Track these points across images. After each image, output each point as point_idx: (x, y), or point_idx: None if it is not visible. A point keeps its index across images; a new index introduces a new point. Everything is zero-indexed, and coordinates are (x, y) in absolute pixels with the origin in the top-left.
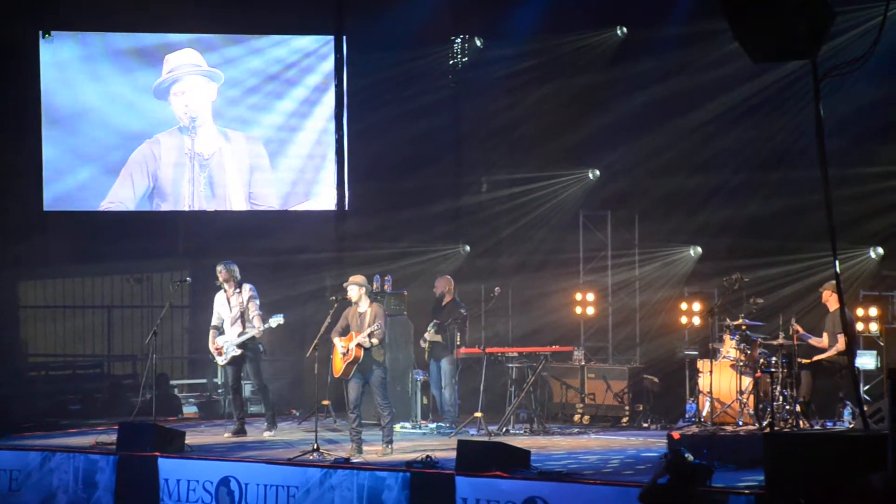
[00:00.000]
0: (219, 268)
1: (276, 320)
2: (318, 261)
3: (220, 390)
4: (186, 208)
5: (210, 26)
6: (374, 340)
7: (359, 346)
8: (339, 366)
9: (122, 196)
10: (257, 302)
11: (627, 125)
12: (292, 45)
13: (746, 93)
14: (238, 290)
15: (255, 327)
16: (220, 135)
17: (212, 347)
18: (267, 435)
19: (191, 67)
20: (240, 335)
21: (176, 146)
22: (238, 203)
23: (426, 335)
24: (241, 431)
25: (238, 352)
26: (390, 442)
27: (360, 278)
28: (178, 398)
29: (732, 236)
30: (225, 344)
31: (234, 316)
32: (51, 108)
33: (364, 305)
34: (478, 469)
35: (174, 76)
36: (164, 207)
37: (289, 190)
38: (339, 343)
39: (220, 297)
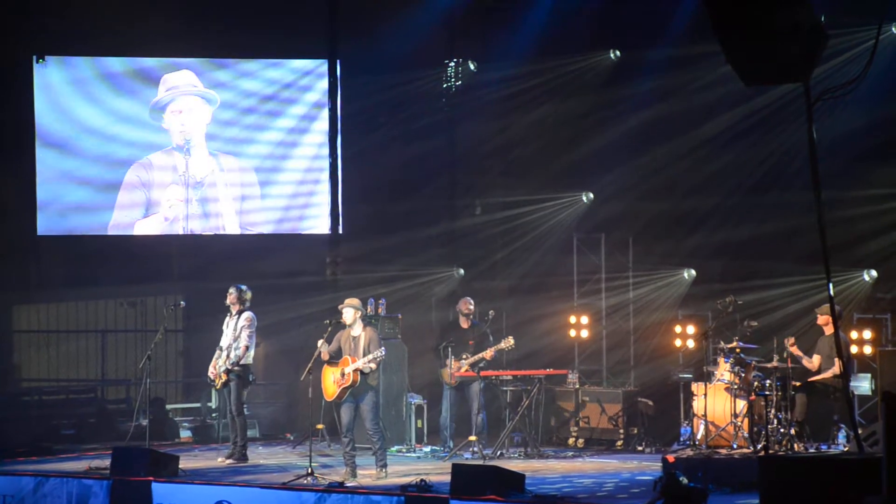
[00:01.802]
0: (230, 289)
1: (243, 357)
2: (313, 284)
3: (213, 414)
4: (181, 231)
5: (203, 50)
6: (373, 366)
7: (356, 370)
8: (331, 389)
9: (118, 218)
10: (249, 332)
11: (621, 148)
12: (286, 68)
13: (739, 116)
14: (238, 316)
15: (229, 357)
16: (211, 158)
17: (211, 371)
18: (220, 460)
19: (189, 87)
20: (225, 361)
21: (168, 167)
22: (230, 226)
23: (486, 355)
24: (239, 457)
25: (224, 378)
26: (384, 465)
27: (355, 301)
28: (174, 422)
29: (726, 259)
30: (219, 368)
31: (229, 342)
32: (44, 133)
33: (357, 329)
34: (472, 493)
35: (172, 94)
36: (157, 229)
37: (282, 214)
38: (332, 369)
39: (227, 320)
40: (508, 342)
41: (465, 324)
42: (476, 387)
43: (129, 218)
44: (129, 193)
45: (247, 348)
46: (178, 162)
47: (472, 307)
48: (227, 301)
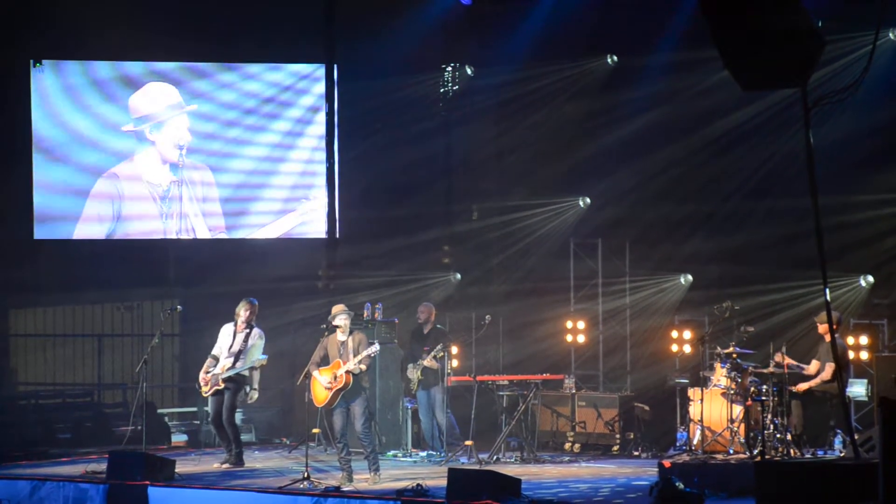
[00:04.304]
0: (245, 303)
1: (260, 360)
2: (309, 289)
3: (209, 419)
4: (174, 236)
5: (199, 55)
6: (363, 366)
7: (348, 372)
8: (321, 395)
9: (88, 231)
10: (261, 345)
11: (618, 153)
12: (283, 72)
13: (736, 121)
14: (248, 330)
15: (234, 367)
16: (203, 165)
17: (202, 376)
18: (216, 466)
19: (178, 109)
20: (228, 369)
21: (143, 176)
22: (219, 231)
23: (424, 363)
24: (235, 462)
25: (221, 385)
26: (377, 469)
27: (344, 307)
28: (168, 426)
29: (723, 264)
30: (213, 376)
31: (234, 350)
32: (41, 137)
33: (345, 334)
34: (468, 497)
35: (163, 117)
36: (135, 236)
37: (278, 218)
38: (321, 374)
39: (227, 329)
40: (429, 360)
41: (429, 329)
42: (438, 391)
43: (94, 228)
44: (96, 205)
45: (256, 360)
46: (155, 172)
47: (426, 313)
48: (243, 316)
